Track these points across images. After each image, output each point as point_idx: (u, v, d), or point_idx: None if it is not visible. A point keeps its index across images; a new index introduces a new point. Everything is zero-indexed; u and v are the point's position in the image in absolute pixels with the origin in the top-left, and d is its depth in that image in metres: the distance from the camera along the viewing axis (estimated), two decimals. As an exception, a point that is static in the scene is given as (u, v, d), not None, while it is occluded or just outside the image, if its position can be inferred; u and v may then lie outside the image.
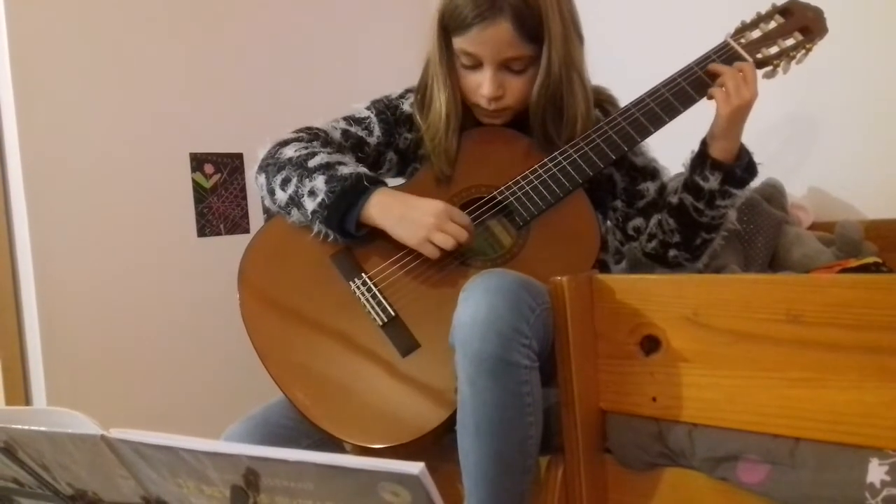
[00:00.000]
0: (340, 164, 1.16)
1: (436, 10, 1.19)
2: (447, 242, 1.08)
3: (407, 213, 1.11)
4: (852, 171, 1.72)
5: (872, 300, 0.80)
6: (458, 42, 1.16)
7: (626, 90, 1.24)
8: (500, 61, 1.15)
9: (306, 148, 1.20)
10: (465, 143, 1.22)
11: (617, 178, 1.27)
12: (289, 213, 1.19)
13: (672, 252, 1.24)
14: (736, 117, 1.12)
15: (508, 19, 1.11)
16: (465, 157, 1.22)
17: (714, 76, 1.16)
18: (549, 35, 1.13)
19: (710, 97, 1.14)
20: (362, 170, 1.16)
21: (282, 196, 1.17)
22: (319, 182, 1.13)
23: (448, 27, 1.17)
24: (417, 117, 1.26)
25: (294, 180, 1.15)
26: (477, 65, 1.17)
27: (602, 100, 1.27)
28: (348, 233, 1.14)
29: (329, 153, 1.19)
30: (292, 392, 1.09)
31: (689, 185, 1.17)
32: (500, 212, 1.20)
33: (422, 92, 1.26)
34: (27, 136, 1.75)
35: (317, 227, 1.16)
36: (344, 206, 1.12)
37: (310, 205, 1.14)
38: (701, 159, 1.16)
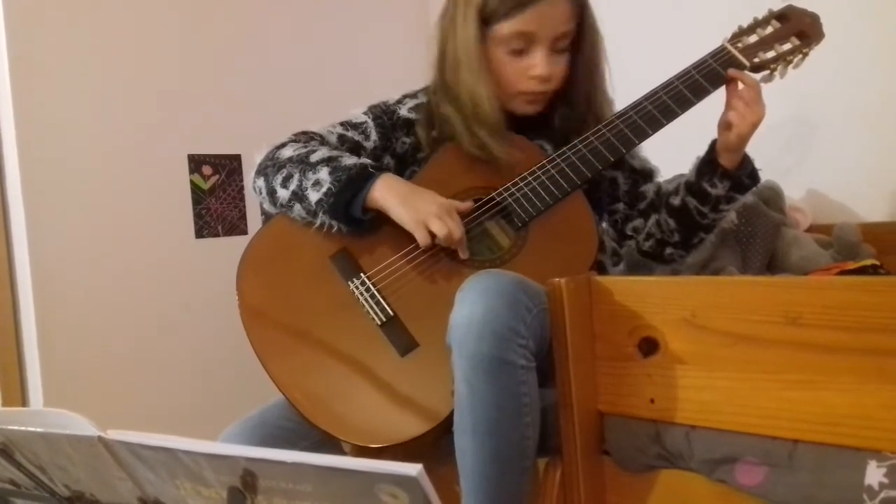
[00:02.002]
0: (342, 156, 1.16)
1: (467, 5, 1.17)
2: (442, 230, 1.08)
3: (411, 196, 1.11)
4: (850, 173, 1.72)
5: (871, 302, 0.80)
6: (511, 25, 1.15)
7: (624, 93, 1.25)
8: (555, 37, 1.16)
9: (305, 147, 1.20)
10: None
11: (620, 181, 1.28)
12: (290, 209, 1.18)
13: (669, 250, 1.26)
14: (750, 133, 1.13)
15: None
16: (463, 158, 1.22)
17: (730, 81, 1.16)
18: (588, 14, 1.18)
19: (728, 120, 1.13)
20: (366, 160, 1.16)
21: (283, 194, 1.17)
22: (324, 173, 1.13)
23: (494, 14, 1.16)
24: (436, 111, 1.24)
25: (296, 176, 1.15)
26: (526, 48, 1.17)
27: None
28: (353, 218, 1.14)
29: (329, 149, 1.19)
30: (291, 392, 1.09)
31: (695, 189, 1.18)
32: (498, 213, 1.20)
33: (450, 86, 1.22)
34: (25, 137, 1.75)
35: (320, 218, 1.15)
36: (350, 194, 1.12)
37: (314, 196, 1.13)
38: (710, 167, 1.16)
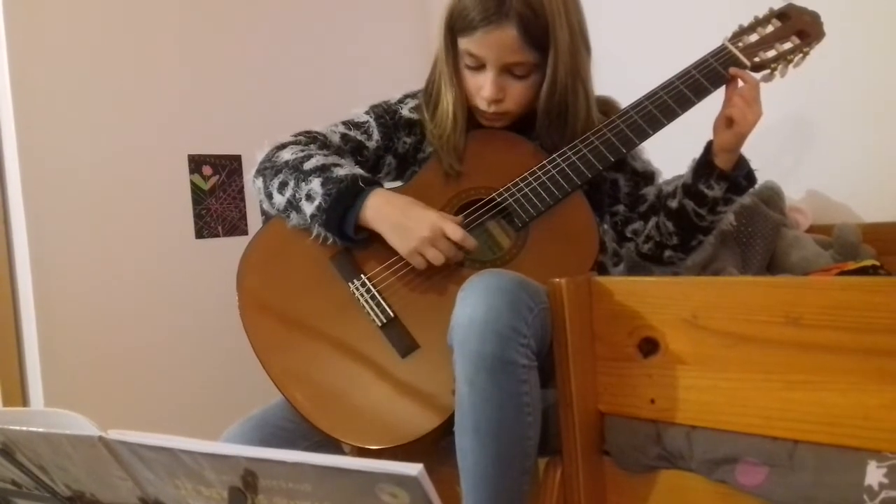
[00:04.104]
0: (336, 165, 1.16)
1: (444, 9, 1.19)
2: (438, 259, 1.09)
3: (401, 221, 1.11)
4: (850, 174, 1.72)
5: (871, 303, 0.80)
6: (464, 43, 1.17)
7: (625, 93, 1.24)
8: (503, 65, 1.16)
9: (303, 150, 1.20)
10: (467, 144, 1.22)
11: (621, 183, 1.28)
12: (288, 217, 1.19)
13: (668, 252, 1.25)
14: (749, 132, 1.12)
15: (514, 25, 1.11)
16: (465, 158, 1.22)
17: (731, 80, 1.16)
18: (555, 44, 1.14)
19: (731, 116, 1.12)
20: (358, 171, 1.16)
21: (280, 200, 1.17)
22: (316, 185, 1.13)
23: (455, 27, 1.17)
24: (424, 113, 1.26)
25: (291, 184, 1.16)
26: (480, 66, 1.17)
27: (608, 110, 1.26)
28: (348, 237, 1.14)
29: (325, 155, 1.19)
30: (291, 393, 1.09)
31: (692, 191, 1.17)
32: (499, 213, 1.20)
33: (429, 89, 1.27)
34: (25, 138, 1.75)
35: (316, 230, 1.16)
36: (341, 209, 1.12)
37: (308, 209, 1.14)
38: (707, 169, 1.16)
